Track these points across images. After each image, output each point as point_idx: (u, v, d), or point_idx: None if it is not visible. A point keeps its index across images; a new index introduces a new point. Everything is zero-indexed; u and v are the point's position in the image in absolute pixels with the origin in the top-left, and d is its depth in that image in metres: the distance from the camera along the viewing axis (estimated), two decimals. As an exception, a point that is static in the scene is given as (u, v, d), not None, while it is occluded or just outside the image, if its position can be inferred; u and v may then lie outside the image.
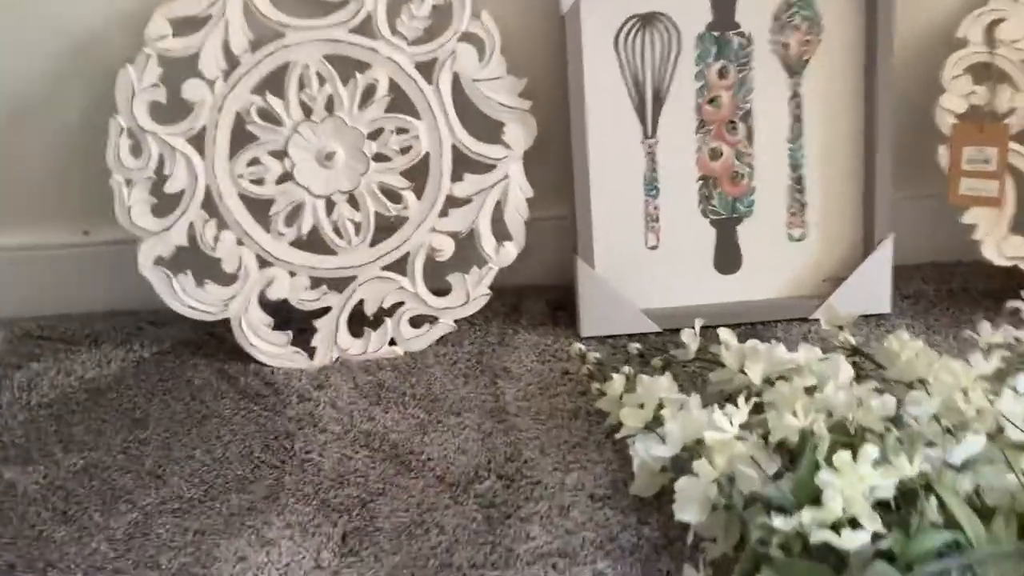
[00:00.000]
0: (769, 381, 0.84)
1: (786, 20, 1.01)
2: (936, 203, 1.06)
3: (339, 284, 1.04)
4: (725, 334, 0.92)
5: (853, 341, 0.94)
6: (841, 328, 0.96)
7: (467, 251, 1.04)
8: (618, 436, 0.82)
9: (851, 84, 1.02)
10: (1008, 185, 1.02)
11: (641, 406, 0.82)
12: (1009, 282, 1.05)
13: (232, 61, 0.99)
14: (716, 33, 1.01)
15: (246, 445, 0.91)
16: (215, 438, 0.92)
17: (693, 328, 0.93)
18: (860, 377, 0.86)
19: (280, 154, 1.00)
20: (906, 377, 0.84)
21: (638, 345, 1.01)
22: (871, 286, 1.05)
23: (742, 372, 0.86)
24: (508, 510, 0.80)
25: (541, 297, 1.14)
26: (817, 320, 1.05)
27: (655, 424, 0.80)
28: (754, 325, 1.06)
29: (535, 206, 1.05)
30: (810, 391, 0.80)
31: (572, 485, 0.82)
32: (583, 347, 0.97)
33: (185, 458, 0.89)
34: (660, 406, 0.82)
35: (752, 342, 0.89)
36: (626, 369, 0.90)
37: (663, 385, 0.83)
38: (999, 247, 1.03)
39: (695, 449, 0.74)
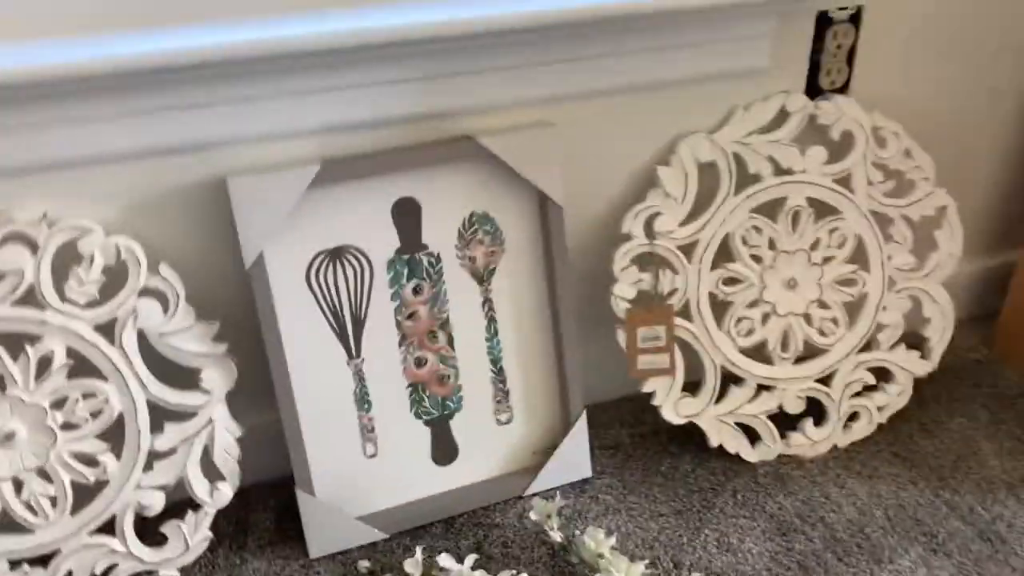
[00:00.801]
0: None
1: (470, 236, 1.06)
2: (622, 353, 1.18)
3: (43, 560, 0.97)
4: (445, 560, 0.98)
5: (559, 538, 1.04)
6: (549, 517, 1.06)
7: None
8: None
9: (535, 284, 1.10)
10: (677, 356, 1.15)
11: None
12: (689, 424, 1.20)
13: None
14: (406, 256, 1.04)
15: None
16: None
17: (417, 551, 0.99)
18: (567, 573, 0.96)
19: (-51, 443, 0.92)
20: (603, 587, 0.95)
21: (367, 563, 1.05)
22: (573, 457, 1.15)
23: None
24: None
25: (267, 504, 1.14)
26: (531, 496, 1.14)
27: None
28: (475, 511, 1.13)
29: (253, 412, 1.04)
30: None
31: None
32: (313, 591, 0.99)
33: None
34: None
35: (469, 565, 0.96)
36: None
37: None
38: (675, 408, 1.17)
39: None
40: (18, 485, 0.95)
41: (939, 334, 1.23)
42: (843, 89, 1.16)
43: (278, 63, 0.88)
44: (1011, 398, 1.30)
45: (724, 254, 1.14)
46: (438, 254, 1.05)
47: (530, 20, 0.93)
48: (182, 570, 1.03)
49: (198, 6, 0.89)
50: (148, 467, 0.99)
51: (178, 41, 0.84)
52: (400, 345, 1.07)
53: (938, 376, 1.29)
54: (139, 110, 0.90)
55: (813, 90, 1.15)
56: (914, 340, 1.24)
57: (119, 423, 0.97)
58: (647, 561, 1.03)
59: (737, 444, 1.19)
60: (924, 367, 1.24)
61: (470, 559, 0.99)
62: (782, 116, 1.13)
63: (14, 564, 0.97)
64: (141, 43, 0.83)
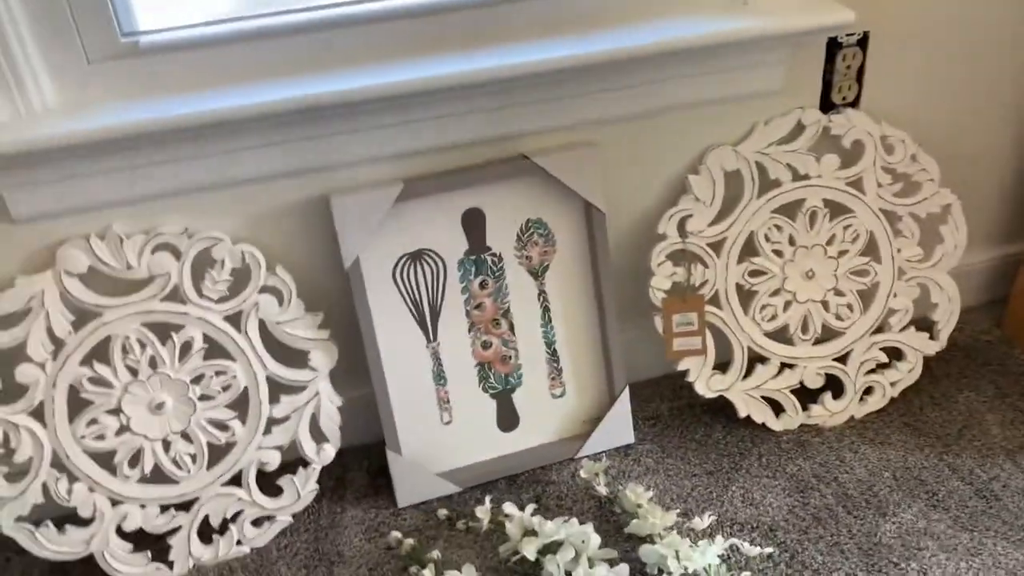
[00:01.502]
0: (542, 552, 1.12)
1: (527, 239, 1.25)
2: (660, 337, 1.35)
3: (185, 506, 1.21)
4: (509, 507, 1.18)
5: (605, 492, 1.24)
6: (596, 475, 1.25)
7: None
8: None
9: (583, 278, 1.29)
10: (708, 338, 1.33)
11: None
12: (720, 398, 1.37)
13: (58, 343, 1.12)
14: (473, 256, 1.24)
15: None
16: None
17: (486, 501, 1.19)
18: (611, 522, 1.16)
19: (116, 411, 1.15)
20: (642, 532, 1.14)
21: (445, 511, 1.26)
22: (617, 427, 1.34)
23: (530, 535, 1.13)
24: None
25: (363, 462, 1.36)
26: (581, 458, 1.33)
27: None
28: (533, 470, 1.33)
29: (351, 387, 1.26)
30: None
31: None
32: (399, 535, 1.20)
33: None
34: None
35: (528, 513, 1.16)
36: (434, 554, 1.15)
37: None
38: (708, 384, 1.35)
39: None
40: (166, 445, 1.19)
41: (946, 317, 1.38)
42: (854, 103, 1.31)
43: (374, 104, 1.09)
44: (1017, 375, 1.44)
45: (749, 250, 1.31)
46: (500, 254, 1.25)
47: (577, 61, 1.11)
48: (295, 516, 1.26)
49: (308, 60, 1.11)
50: (267, 431, 1.22)
51: (304, 89, 1.05)
52: (469, 331, 1.27)
53: (950, 355, 1.45)
54: (268, 143, 1.12)
55: (826, 105, 1.30)
56: (924, 324, 1.39)
57: (244, 395, 1.20)
58: (679, 510, 1.22)
59: (763, 415, 1.36)
60: (932, 347, 1.38)
61: (530, 507, 1.18)
62: (799, 129, 1.29)
63: (164, 508, 1.21)
64: (281, 90, 1.05)
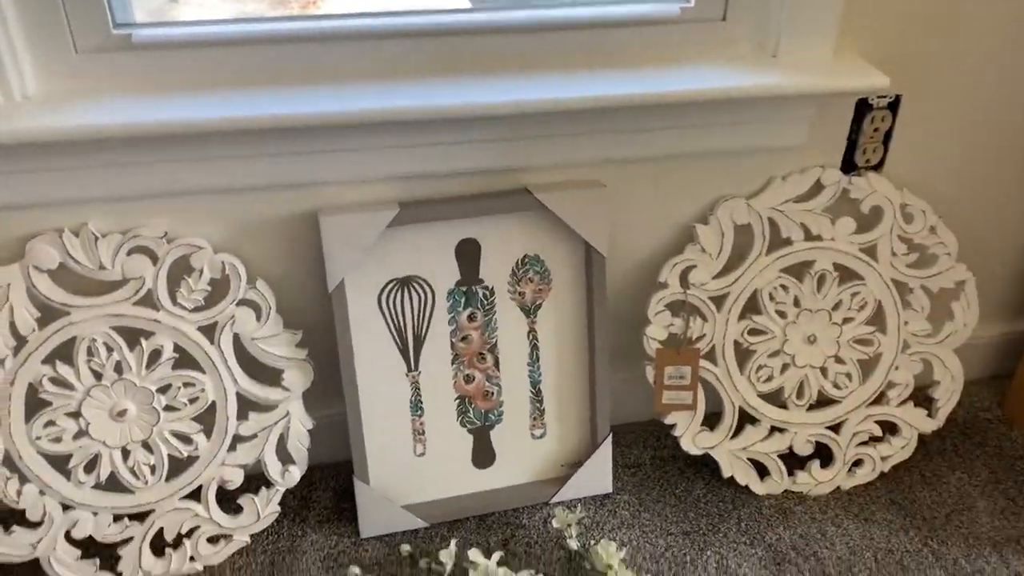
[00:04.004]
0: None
1: (522, 274, 1.20)
2: (650, 385, 1.31)
3: (140, 516, 1.16)
4: (475, 555, 1.13)
5: (575, 546, 1.19)
6: (568, 526, 1.21)
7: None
8: None
9: (576, 320, 1.24)
10: (700, 393, 1.28)
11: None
12: (704, 454, 1.32)
13: (20, 339, 1.07)
14: (464, 287, 1.18)
15: None
16: None
17: (451, 544, 1.15)
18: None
19: (75, 414, 1.10)
20: (607, 596, 1.10)
21: (408, 547, 1.21)
22: (597, 473, 1.29)
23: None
24: None
25: (328, 484, 1.32)
26: (556, 504, 1.29)
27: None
28: (505, 512, 1.28)
29: (325, 405, 1.21)
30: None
31: None
32: (357, 571, 1.15)
33: None
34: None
35: (494, 562, 1.11)
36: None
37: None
38: (694, 440, 1.30)
39: None
40: (125, 454, 1.14)
41: (947, 396, 1.33)
42: (877, 167, 1.26)
43: (373, 126, 1.03)
44: (1013, 459, 1.39)
45: (751, 307, 1.26)
46: (492, 288, 1.20)
47: (596, 103, 1.05)
48: (253, 536, 1.21)
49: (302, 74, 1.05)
50: (232, 448, 1.17)
51: (301, 103, 1.00)
52: (453, 363, 1.22)
53: (946, 431, 1.40)
54: (259, 153, 1.06)
55: (848, 165, 1.25)
56: (923, 398, 1.34)
57: (211, 409, 1.15)
58: (650, 574, 1.18)
59: (747, 477, 1.31)
60: (929, 425, 1.34)
61: (496, 556, 1.14)
62: (816, 188, 1.24)
63: (117, 518, 1.16)
64: (277, 104, 1.00)
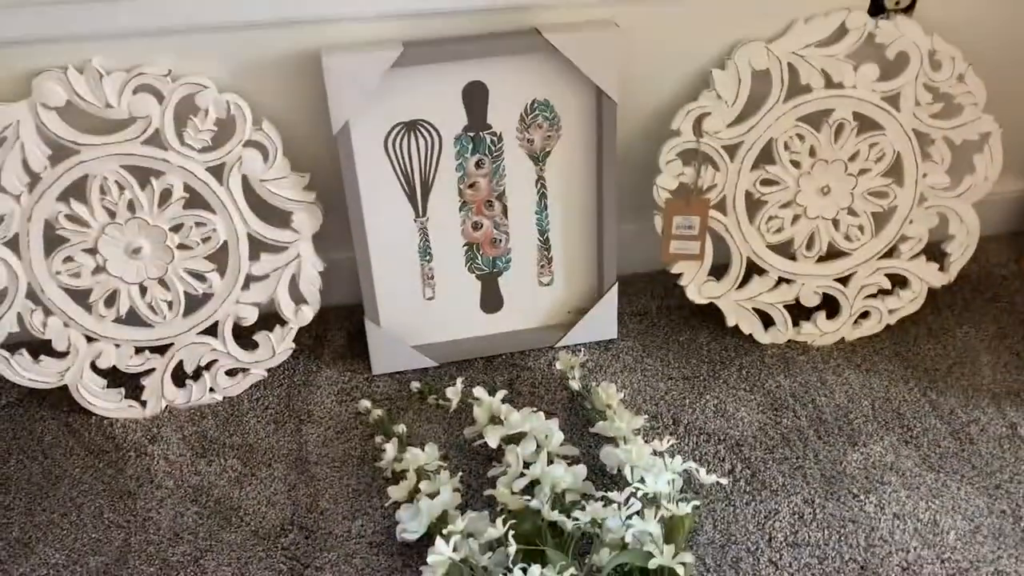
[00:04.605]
0: (505, 441, 1.12)
1: (530, 120, 1.18)
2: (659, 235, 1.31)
3: (160, 349, 1.21)
4: (479, 391, 1.18)
5: (577, 387, 1.23)
6: (572, 368, 1.24)
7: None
8: (387, 504, 1.09)
9: (585, 167, 1.23)
10: (708, 244, 1.27)
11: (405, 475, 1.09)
12: (710, 304, 1.34)
13: (34, 176, 1.09)
14: (471, 133, 1.17)
15: (96, 506, 1.13)
16: (70, 500, 1.13)
17: (458, 381, 1.19)
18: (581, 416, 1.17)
19: (92, 250, 1.14)
20: (607, 433, 1.14)
21: (417, 384, 1.26)
22: (602, 321, 1.32)
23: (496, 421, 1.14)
24: (307, 560, 1.07)
25: (342, 324, 1.36)
26: (561, 348, 1.32)
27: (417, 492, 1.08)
28: (512, 354, 1.32)
29: (338, 249, 1.23)
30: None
31: (356, 533, 1.10)
32: (368, 404, 1.21)
33: (47, 523, 1.11)
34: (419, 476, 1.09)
35: (498, 399, 1.16)
36: (400, 428, 1.16)
37: (421, 459, 1.09)
38: (700, 290, 1.31)
39: (438, 526, 1.02)
40: (143, 290, 1.18)
41: (960, 251, 1.32)
42: (908, 9, 1.19)
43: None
44: (1023, 315, 1.39)
45: (765, 157, 1.24)
46: (500, 134, 1.18)
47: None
48: (269, 371, 1.27)
49: None
50: (246, 287, 1.20)
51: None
52: (460, 210, 1.23)
53: (958, 285, 1.39)
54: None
55: (876, 7, 1.18)
56: (937, 252, 1.33)
57: (224, 249, 1.17)
58: (647, 416, 1.22)
59: (751, 326, 1.33)
60: (940, 279, 1.33)
61: (500, 394, 1.18)
62: (841, 31, 1.18)
63: (139, 350, 1.21)
64: None
